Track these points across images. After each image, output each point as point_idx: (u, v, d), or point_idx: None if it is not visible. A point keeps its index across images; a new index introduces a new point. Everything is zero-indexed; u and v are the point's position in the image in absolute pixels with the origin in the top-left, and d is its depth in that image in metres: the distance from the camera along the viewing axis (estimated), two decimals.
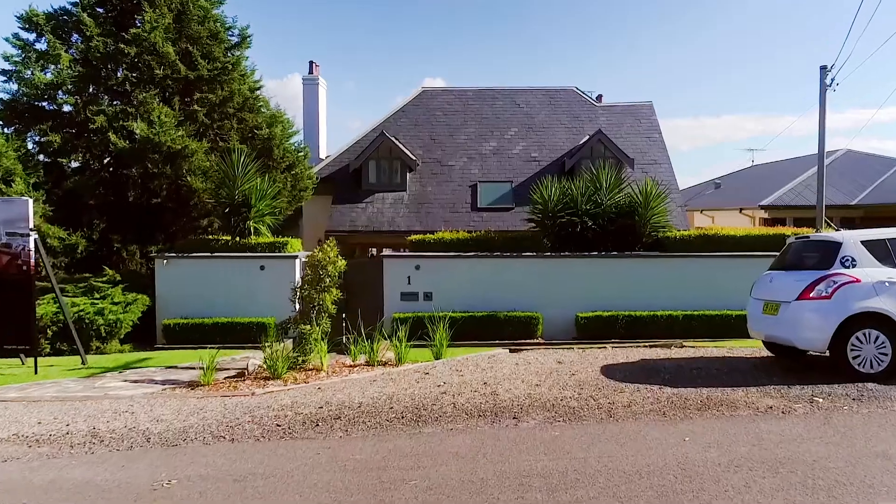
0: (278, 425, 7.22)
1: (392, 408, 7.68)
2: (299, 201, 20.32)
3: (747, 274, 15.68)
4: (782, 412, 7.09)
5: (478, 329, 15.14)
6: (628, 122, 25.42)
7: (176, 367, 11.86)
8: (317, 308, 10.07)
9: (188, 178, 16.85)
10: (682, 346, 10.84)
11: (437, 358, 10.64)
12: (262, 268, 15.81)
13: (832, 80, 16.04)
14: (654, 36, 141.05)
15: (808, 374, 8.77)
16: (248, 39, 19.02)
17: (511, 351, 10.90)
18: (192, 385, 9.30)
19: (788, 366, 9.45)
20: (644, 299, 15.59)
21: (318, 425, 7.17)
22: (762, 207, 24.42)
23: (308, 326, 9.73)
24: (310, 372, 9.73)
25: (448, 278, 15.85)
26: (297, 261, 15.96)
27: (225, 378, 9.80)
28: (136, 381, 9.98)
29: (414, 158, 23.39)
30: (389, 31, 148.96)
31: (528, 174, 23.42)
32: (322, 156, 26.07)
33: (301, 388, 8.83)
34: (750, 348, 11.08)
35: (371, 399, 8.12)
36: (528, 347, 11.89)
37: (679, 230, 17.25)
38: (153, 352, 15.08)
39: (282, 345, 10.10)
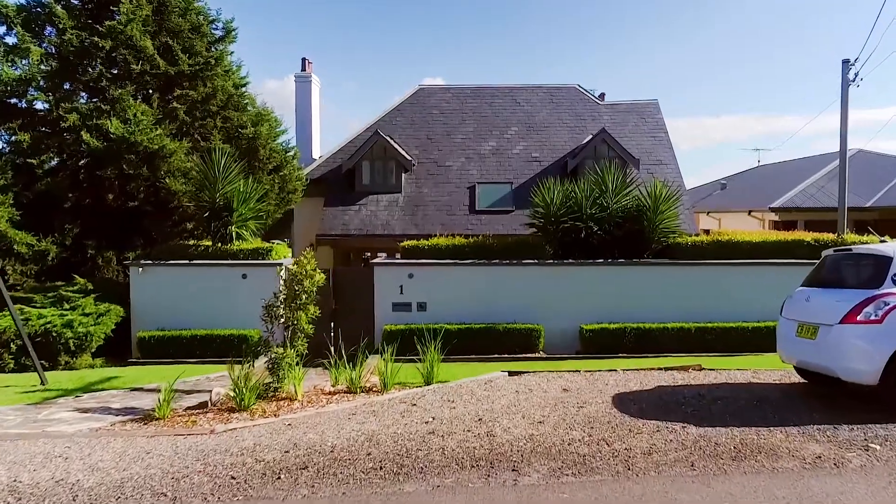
0: (233, 477, 5.97)
1: (370, 453, 6.43)
2: (288, 204, 19.06)
3: (764, 283, 14.46)
4: (834, 464, 5.83)
5: (475, 343, 13.91)
6: (633, 120, 24.14)
7: (141, 389, 10.61)
8: (292, 328, 8.81)
9: (167, 180, 15.59)
10: (701, 369, 9.59)
11: (427, 382, 9.40)
12: (244, 276, 14.57)
13: (856, 74, 14.77)
14: (652, 35, 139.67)
15: (852, 409, 7.51)
16: (234, 33, 17.74)
17: (510, 374, 9.65)
18: (147, 418, 8.05)
19: (826, 395, 8.19)
20: (654, 310, 14.33)
21: (279, 478, 5.92)
22: (773, 210, 23.15)
23: (281, 349, 8.48)
24: (282, 402, 8.48)
25: (443, 288, 14.60)
26: (282, 268, 14.72)
27: (186, 409, 8.54)
28: (86, 411, 8.74)
29: (409, 159, 22.13)
30: (389, 31, 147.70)
31: (529, 175, 22.15)
32: (315, 156, 24.81)
33: (269, 424, 7.58)
34: (776, 370, 9.82)
35: (347, 440, 6.87)
36: (529, 371, 10.63)
37: (689, 235, 15.98)
38: (126, 367, 13.85)
39: (256, 364, 8.87)
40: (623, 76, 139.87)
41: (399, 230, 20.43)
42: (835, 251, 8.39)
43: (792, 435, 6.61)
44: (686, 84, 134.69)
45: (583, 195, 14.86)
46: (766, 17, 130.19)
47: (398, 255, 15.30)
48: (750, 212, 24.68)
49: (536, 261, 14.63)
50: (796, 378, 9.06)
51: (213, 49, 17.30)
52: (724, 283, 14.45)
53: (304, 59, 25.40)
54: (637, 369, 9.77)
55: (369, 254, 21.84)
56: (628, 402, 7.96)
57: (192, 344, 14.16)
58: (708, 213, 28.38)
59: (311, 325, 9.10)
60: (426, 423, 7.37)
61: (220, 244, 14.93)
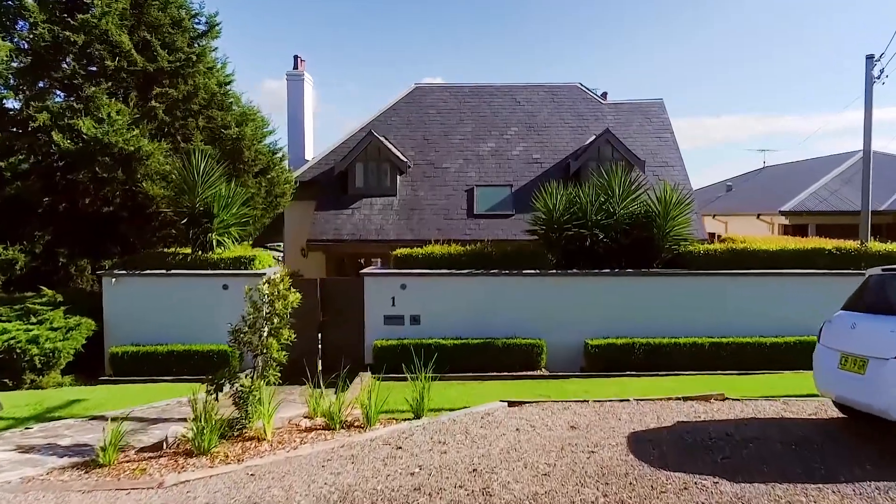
0: None
1: None
2: (277, 208, 17.90)
3: (783, 296, 13.30)
4: None
5: (472, 359, 12.76)
6: (637, 120, 22.96)
7: (102, 418, 9.45)
8: (262, 356, 7.66)
9: (144, 184, 14.43)
10: (724, 399, 8.44)
11: (416, 414, 8.24)
12: (225, 287, 13.41)
13: (881, 71, 13.61)
14: (652, 35, 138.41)
15: None
16: (217, 28, 16.55)
17: (510, 405, 8.50)
18: (92, 464, 6.89)
19: (873, 438, 7.03)
20: (664, 324, 13.18)
21: None
22: (783, 213, 21.98)
23: (248, 381, 7.33)
24: (249, 442, 7.31)
25: (438, 299, 13.45)
26: (266, 279, 13.56)
27: (138, 451, 7.36)
28: (29, 450, 7.58)
29: (405, 160, 20.98)
30: (388, 31, 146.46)
31: (530, 177, 21.00)
32: (308, 157, 23.63)
33: (229, 475, 6.42)
34: (807, 400, 8.66)
35: (317, 498, 5.73)
36: (530, 400, 9.50)
37: (701, 243, 14.80)
38: (96, 386, 12.70)
39: (227, 389, 7.72)
40: (622, 76, 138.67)
41: (394, 235, 19.29)
42: (883, 270, 7.22)
43: (847, 497, 5.45)
44: (686, 84, 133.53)
45: (587, 200, 13.70)
46: (766, 17, 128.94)
47: (390, 266, 14.15)
48: (759, 215, 23.51)
49: (538, 271, 13.47)
50: (833, 411, 7.91)
51: (195, 45, 16.12)
52: (739, 295, 13.30)
53: (296, 57, 24.23)
54: (652, 399, 8.61)
55: (363, 260, 20.79)
56: (646, 445, 6.81)
57: (169, 360, 13.02)
58: (714, 216, 27.23)
59: (283, 353, 7.93)
60: (412, 474, 6.21)
61: (200, 252, 13.78)
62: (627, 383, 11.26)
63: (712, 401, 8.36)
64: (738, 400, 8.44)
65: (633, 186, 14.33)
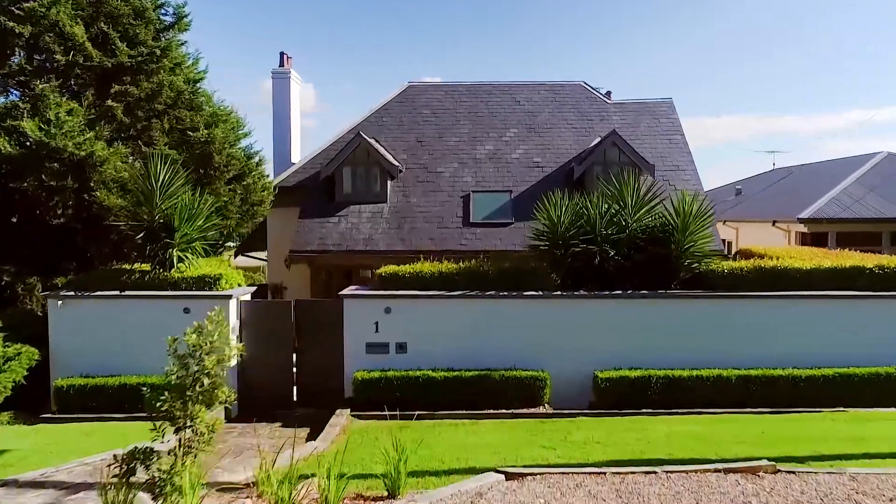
0: None
1: None
2: (254, 218, 16.11)
3: (819, 321, 11.47)
4: None
5: (465, 393, 11.02)
6: (645, 121, 21.16)
7: (16, 483, 7.71)
8: (187, 427, 5.86)
9: (98, 193, 12.67)
10: (776, 471, 6.67)
11: (391, 492, 6.47)
12: (186, 310, 11.64)
13: None
14: (650, 34, 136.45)
15: None
16: (186, 20, 14.71)
17: (507, 478, 6.72)
18: None
19: None
20: (684, 353, 11.41)
21: None
22: (801, 221, 20.18)
23: (168, 464, 5.55)
24: None
25: (428, 325, 11.68)
26: (234, 301, 11.80)
27: None
28: None
29: (396, 164, 19.19)
30: (387, 30, 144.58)
31: (530, 182, 19.21)
32: (295, 160, 21.85)
33: None
34: (879, 473, 6.89)
35: None
36: (534, 472, 7.76)
37: (722, 258, 12.97)
38: (36, 425, 10.96)
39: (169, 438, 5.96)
40: (622, 75, 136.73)
41: (383, 245, 17.52)
42: None
43: None
44: (686, 84, 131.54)
45: (596, 212, 11.91)
46: (766, 17, 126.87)
47: (374, 285, 12.36)
48: (774, 222, 21.70)
49: (540, 292, 11.68)
50: None
51: (161, 38, 14.32)
52: (770, 321, 11.51)
53: (282, 54, 22.40)
54: (684, 469, 6.82)
55: (351, 272, 19.02)
56: None
57: (122, 395, 11.27)
58: (724, 222, 25.43)
59: (219, 419, 6.15)
60: None
61: (160, 270, 12.01)
62: (646, 428, 9.49)
63: (761, 474, 6.59)
64: (794, 473, 6.65)
65: (648, 196, 12.53)
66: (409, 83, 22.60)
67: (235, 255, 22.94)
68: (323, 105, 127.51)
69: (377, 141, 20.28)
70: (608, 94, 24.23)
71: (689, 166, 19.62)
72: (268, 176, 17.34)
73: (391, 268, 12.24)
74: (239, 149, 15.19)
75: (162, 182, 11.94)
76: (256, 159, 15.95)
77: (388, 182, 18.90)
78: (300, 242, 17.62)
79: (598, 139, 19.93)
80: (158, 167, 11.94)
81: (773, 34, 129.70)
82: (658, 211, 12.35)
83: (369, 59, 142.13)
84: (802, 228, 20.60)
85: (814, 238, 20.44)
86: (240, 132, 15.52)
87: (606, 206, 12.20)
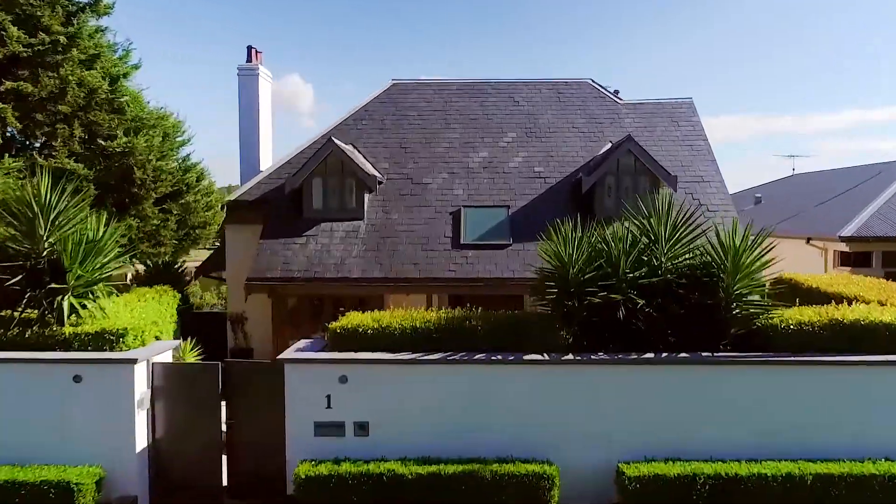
0: None
1: None
2: (196, 243, 13.04)
3: None
4: None
5: (447, 496, 7.97)
6: (661, 124, 18.06)
7: None
8: None
9: None
10: None
11: None
12: (76, 379, 8.57)
13: None
14: (650, 34, 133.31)
15: None
16: (106, 2, 11.64)
17: None
18: None
19: None
20: (739, 441, 8.34)
21: None
22: (843, 239, 17.08)
23: None
24: None
25: (397, 399, 8.59)
26: (141, 366, 8.73)
27: None
28: None
29: (376, 174, 16.10)
30: (387, 29, 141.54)
31: (531, 196, 16.12)
32: (264, 168, 18.74)
33: None
34: None
35: None
36: None
37: (781, 306, 9.80)
38: None
39: None
40: (621, 75, 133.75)
41: (358, 271, 14.45)
42: None
43: None
44: (685, 83, 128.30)
45: (619, 248, 8.80)
46: (766, 17, 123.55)
47: (326, 342, 9.23)
48: (809, 240, 18.61)
49: (546, 356, 8.59)
50: None
51: (72, 22, 11.21)
52: (856, 396, 8.44)
53: (249, 48, 19.24)
54: None
55: (326, 302, 15.99)
56: None
57: None
58: None
59: None
60: None
61: (48, 321, 8.94)
62: None
63: None
64: None
65: (685, 227, 9.38)
66: (392, 81, 19.48)
67: (195, 277, 19.85)
68: (322, 105, 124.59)
69: (355, 147, 17.21)
70: (616, 92, 21.13)
71: (714, 177, 16.52)
72: (218, 190, 14.23)
73: (354, 318, 9.13)
74: (174, 161, 12.07)
75: (48, 206, 8.86)
76: (196, 174, 12.82)
77: (366, 195, 15.82)
78: (260, 268, 14.55)
79: (610, 145, 16.86)
80: (45, 186, 8.86)
81: (773, 34, 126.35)
82: (699, 243, 9.25)
83: (369, 59, 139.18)
84: (843, 247, 17.51)
85: (856, 258, 17.37)
86: (177, 139, 12.37)
87: (631, 237, 9.10)
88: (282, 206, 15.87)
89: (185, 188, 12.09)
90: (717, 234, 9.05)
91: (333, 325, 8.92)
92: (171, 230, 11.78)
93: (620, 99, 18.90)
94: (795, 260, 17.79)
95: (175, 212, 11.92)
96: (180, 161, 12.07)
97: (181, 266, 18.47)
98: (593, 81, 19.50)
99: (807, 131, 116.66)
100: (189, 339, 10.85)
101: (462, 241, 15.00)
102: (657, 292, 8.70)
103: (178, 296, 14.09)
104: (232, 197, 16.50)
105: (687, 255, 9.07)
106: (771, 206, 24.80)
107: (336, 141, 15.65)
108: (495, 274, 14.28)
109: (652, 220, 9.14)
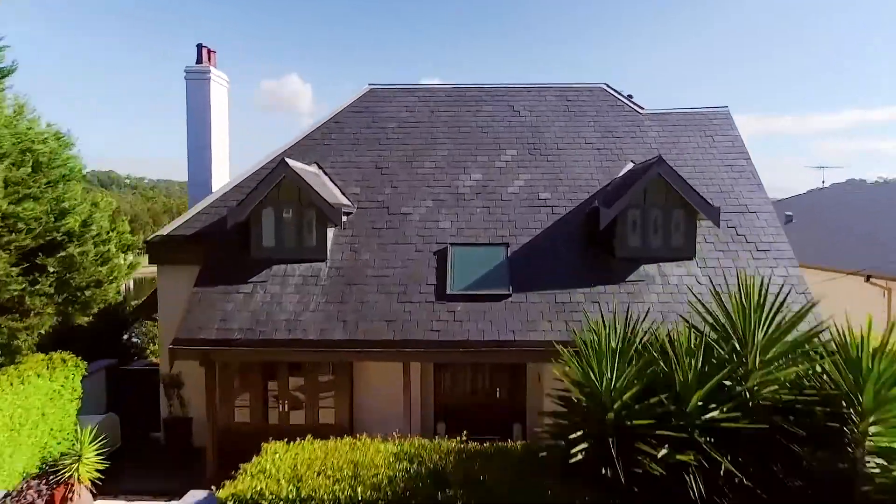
0: None
1: None
2: (86, 309, 9.52)
3: None
4: None
5: None
6: (692, 139, 14.54)
7: None
8: None
9: None
10: None
11: None
12: None
13: None
14: (650, 34, 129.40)
15: None
16: None
17: None
18: None
19: None
20: None
21: None
22: None
23: None
24: None
25: None
26: None
27: None
28: None
29: (343, 203, 12.62)
30: (386, 29, 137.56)
31: (535, 230, 12.62)
32: (216, 188, 15.24)
33: None
34: None
35: None
36: None
37: None
38: None
39: None
40: (620, 75, 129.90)
41: (315, 331, 10.94)
42: None
43: None
44: (685, 84, 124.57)
45: (687, 369, 5.31)
46: (766, 17, 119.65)
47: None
48: (868, 277, 15.09)
49: None
50: None
51: None
52: None
53: (199, 47, 15.73)
54: None
55: (279, 369, 12.39)
56: None
57: None
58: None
59: None
60: None
61: None
62: None
63: None
64: None
65: (780, 313, 5.86)
66: (370, 86, 15.94)
67: (131, 322, 16.37)
68: (321, 105, 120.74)
69: (320, 167, 13.74)
70: (630, 97, 17.64)
71: (763, 206, 13.02)
72: (120, 234, 10.70)
73: (255, 481, 5.62)
74: (47, 197, 8.52)
75: None
76: (84, 215, 9.26)
77: (330, 231, 12.33)
78: (190, 326, 11.05)
79: (631, 165, 13.40)
80: None
81: (773, 34, 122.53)
82: (809, 349, 5.73)
83: (369, 59, 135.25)
84: None
85: None
86: (56, 169, 8.79)
87: (705, 345, 5.58)
88: (226, 243, 12.41)
89: (63, 238, 8.55)
90: (839, 333, 5.51)
91: (223, 492, 5.40)
92: (42, 294, 8.25)
93: (641, 107, 15.36)
94: (848, 298, 14.31)
95: (53, 270, 8.38)
96: (56, 201, 8.48)
97: (119, 303, 15.04)
98: (608, 87, 15.96)
99: (807, 131, 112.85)
100: (108, 412, 7.49)
101: (449, 291, 11.50)
102: (746, 444, 5.20)
103: (83, 364, 10.67)
104: (165, 231, 13.00)
105: (783, 367, 5.55)
106: (806, 227, 21.19)
107: (291, 163, 12.12)
108: (490, 335, 10.80)
109: (740, 315, 5.61)
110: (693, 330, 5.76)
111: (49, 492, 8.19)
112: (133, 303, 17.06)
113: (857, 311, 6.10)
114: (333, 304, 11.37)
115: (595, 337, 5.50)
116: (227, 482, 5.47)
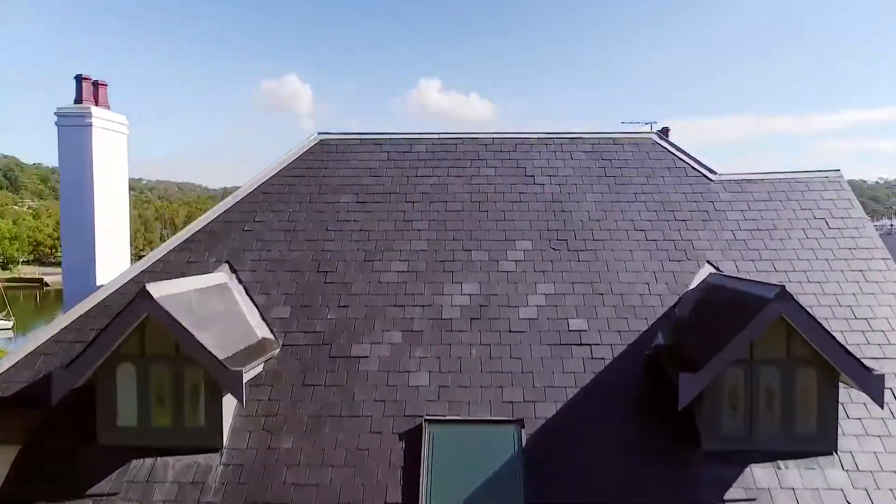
0: None
1: None
2: None
3: None
4: None
5: None
6: (797, 224, 9.40)
7: None
8: None
9: None
10: None
11: None
12: None
13: None
14: (650, 34, 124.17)
15: None
16: None
17: None
18: None
19: None
20: None
21: None
22: None
23: None
24: None
25: None
26: None
27: None
28: None
29: (269, 338, 7.50)
30: (386, 29, 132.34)
31: (565, 391, 7.49)
32: (103, 281, 10.06)
33: None
34: None
35: None
36: None
37: None
38: None
39: None
40: (621, 75, 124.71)
41: None
42: None
43: None
44: (685, 84, 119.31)
45: None
46: (766, 17, 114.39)
47: None
48: None
49: None
50: None
51: None
52: None
53: (79, 78, 10.52)
54: None
55: None
56: None
57: None
58: None
59: None
60: None
61: None
62: None
63: None
64: None
65: None
66: (319, 135, 10.73)
67: None
68: (321, 105, 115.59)
69: (233, 269, 8.67)
70: (664, 130, 12.55)
71: None
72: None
73: None
74: None
75: None
76: None
77: (228, 401, 7.23)
78: None
79: (709, 270, 8.35)
80: None
81: (773, 34, 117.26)
82: None
83: (369, 59, 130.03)
84: None
85: None
86: None
87: None
88: (64, 415, 7.34)
89: None
90: None
91: None
92: None
93: (711, 171, 10.20)
94: None
95: None
96: None
97: None
98: (660, 136, 10.82)
99: (807, 131, 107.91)
100: None
101: None
102: None
103: None
104: None
105: None
106: None
107: (158, 291, 6.98)
108: None
109: None
110: None
111: None
112: None
113: None
114: None
115: None
116: None
